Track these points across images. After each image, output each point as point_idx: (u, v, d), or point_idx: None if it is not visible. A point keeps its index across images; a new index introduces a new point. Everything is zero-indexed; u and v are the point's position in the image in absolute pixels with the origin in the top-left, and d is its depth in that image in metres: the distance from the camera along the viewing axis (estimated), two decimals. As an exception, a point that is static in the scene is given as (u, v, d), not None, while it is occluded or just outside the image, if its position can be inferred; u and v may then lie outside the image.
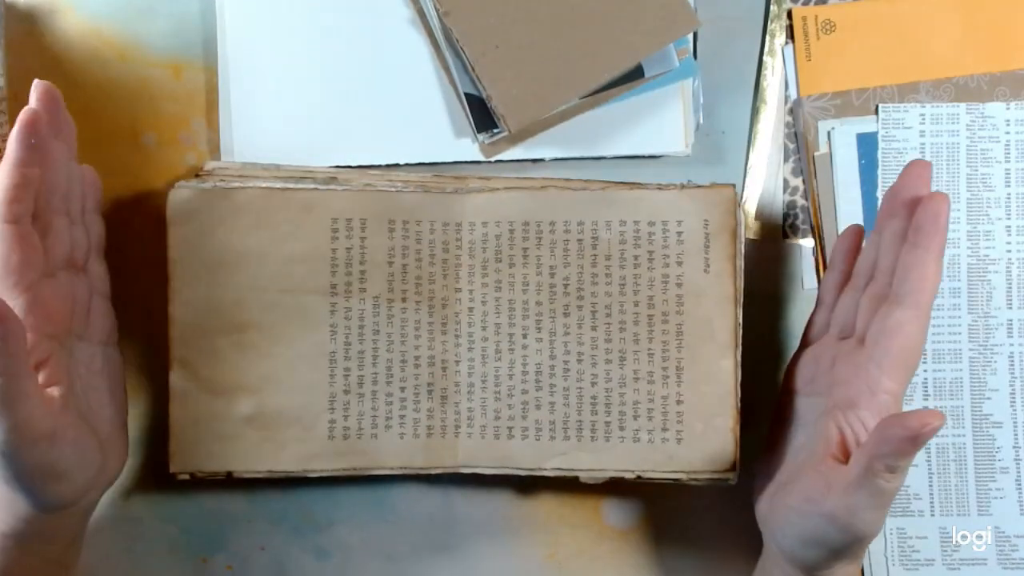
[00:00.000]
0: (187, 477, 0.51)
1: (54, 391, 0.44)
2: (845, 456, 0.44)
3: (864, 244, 0.50)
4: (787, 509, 0.46)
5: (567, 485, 0.54)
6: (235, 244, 0.51)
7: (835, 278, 0.50)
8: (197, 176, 0.52)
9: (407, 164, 0.55)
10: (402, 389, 0.51)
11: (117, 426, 0.49)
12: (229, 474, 0.51)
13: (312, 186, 0.51)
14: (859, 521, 0.43)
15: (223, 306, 0.51)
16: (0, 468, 0.43)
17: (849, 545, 0.44)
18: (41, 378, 0.44)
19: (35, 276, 0.44)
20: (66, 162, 0.48)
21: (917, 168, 0.46)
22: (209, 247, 0.50)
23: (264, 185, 0.51)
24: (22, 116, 0.44)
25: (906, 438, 0.40)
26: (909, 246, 0.45)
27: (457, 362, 0.51)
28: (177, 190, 0.50)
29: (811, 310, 0.53)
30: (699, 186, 0.51)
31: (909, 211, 0.45)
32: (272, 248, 0.51)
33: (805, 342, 0.51)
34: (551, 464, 0.51)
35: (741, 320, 0.51)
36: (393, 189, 0.51)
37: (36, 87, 0.46)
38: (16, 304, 0.43)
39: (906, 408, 0.53)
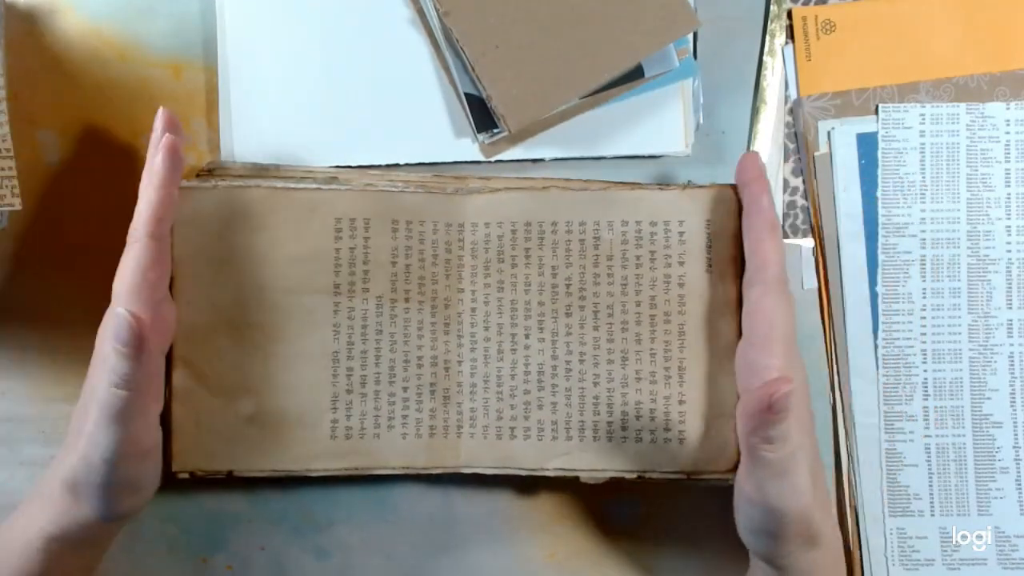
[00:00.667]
0: (187, 476, 0.51)
1: (155, 408, 0.46)
2: None
3: None
4: (736, 506, 0.47)
5: (568, 485, 0.54)
6: (239, 244, 0.51)
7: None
8: (198, 176, 0.52)
9: (407, 164, 0.55)
10: (404, 389, 0.51)
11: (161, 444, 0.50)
12: (229, 473, 0.51)
13: (315, 186, 0.51)
14: (768, 496, 0.44)
15: (226, 305, 0.51)
16: (93, 474, 0.44)
17: (780, 524, 0.44)
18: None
19: (161, 295, 0.47)
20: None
21: (746, 159, 0.49)
22: (213, 246, 0.50)
23: (267, 185, 0.51)
24: (166, 141, 0.46)
25: (761, 409, 0.42)
26: (744, 230, 0.48)
27: (459, 362, 0.51)
28: (181, 190, 0.50)
29: (811, 310, 0.54)
30: (701, 186, 0.51)
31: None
32: (276, 248, 0.51)
33: None
34: (553, 464, 0.51)
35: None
36: (395, 189, 0.51)
37: (162, 116, 0.48)
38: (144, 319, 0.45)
39: (906, 408, 0.54)
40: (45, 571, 0.46)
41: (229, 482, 0.52)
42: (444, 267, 0.51)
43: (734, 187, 0.51)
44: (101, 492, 0.45)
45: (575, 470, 0.51)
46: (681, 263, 0.51)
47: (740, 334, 0.51)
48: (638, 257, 0.51)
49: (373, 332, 0.51)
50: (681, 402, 0.51)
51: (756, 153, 0.50)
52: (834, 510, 0.54)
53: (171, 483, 0.51)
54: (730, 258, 0.51)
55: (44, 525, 0.46)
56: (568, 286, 0.51)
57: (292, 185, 0.51)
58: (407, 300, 0.51)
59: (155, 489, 0.48)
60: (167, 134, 0.47)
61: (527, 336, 0.51)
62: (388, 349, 0.51)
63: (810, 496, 0.44)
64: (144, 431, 0.45)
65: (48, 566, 0.46)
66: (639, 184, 0.52)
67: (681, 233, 0.51)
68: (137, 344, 0.42)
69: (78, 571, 0.48)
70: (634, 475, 0.51)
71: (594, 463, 0.51)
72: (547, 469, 0.51)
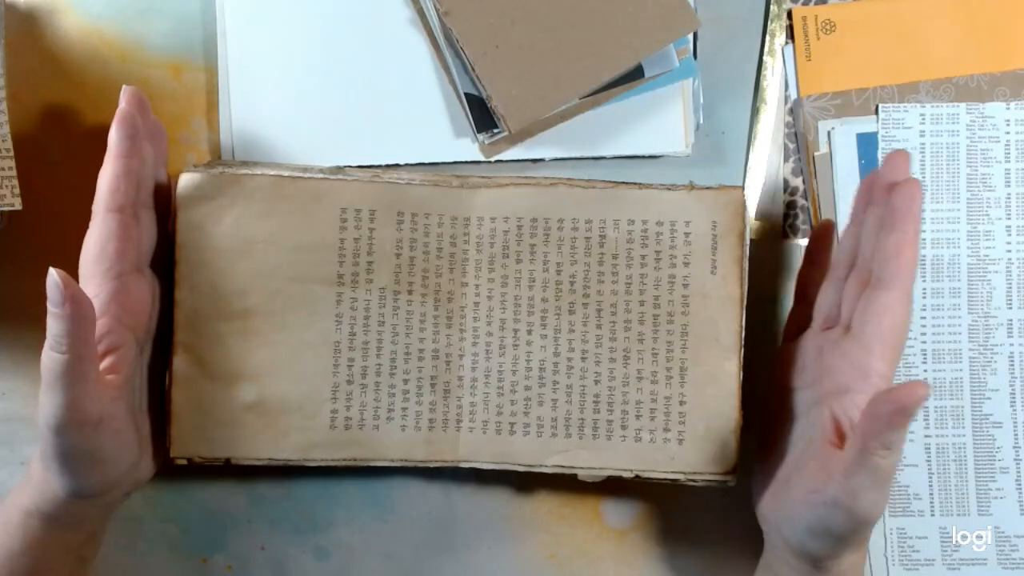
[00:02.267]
0: (184, 462, 0.51)
1: (112, 379, 0.46)
2: (842, 442, 0.45)
3: (841, 236, 0.50)
4: (792, 503, 0.46)
5: (567, 485, 0.54)
6: (244, 230, 0.51)
7: (813, 272, 0.51)
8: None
9: (407, 164, 0.55)
10: (405, 382, 0.51)
11: (155, 431, 0.50)
12: (227, 461, 0.51)
13: (321, 175, 0.51)
14: (861, 504, 0.43)
15: (229, 292, 0.50)
16: (46, 445, 0.44)
17: (855, 530, 0.44)
18: (105, 364, 0.46)
19: (126, 267, 0.47)
20: (153, 163, 0.50)
21: (897, 157, 0.47)
22: (217, 233, 0.50)
23: (274, 173, 0.51)
24: (118, 112, 0.47)
25: (896, 411, 0.40)
26: (887, 231, 0.45)
27: (461, 356, 0.51)
28: (187, 175, 0.50)
29: None
30: (708, 188, 0.51)
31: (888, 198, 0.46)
32: (280, 236, 0.51)
33: (788, 338, 0.52)
34: (551, 461, 0.51)
35: (745, 322, 0.51)
36: (402, 182, 0.51)
37: (125, 91, 0.48)
38: (104, 291, 0.46)
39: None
40: (25, 548, 0.47)
41: (229, 481, 0.53)
42: (448, 261, 0.51)
43: (742, 189, 0.51)
44: (57, 464, 0.44)
45: (573, 468, 0.51)
46: (686, 264, 0.51)
47: (742, 336, 0.51)
48: (643, 256, 0.51)
49: (375, 323, 0.51)
50: (682, 403, 0.51)
51: (907, 153, 0.48)
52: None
53: (171, 478, 0.51)
54: (735, 260, 0.50)
55: (23, 501, 0.47)
56: (572, 283, 0.51)
57: (298, 174, 0.51)
58: (410, 292, 0.51)
59: (126, 466, 0.47)
60: (122, 105, 0.47)
61: (529, 332, 0.51)
62: (390, 341, 0.51)
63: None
64: (88, 398, 0.43)
65: (27, 543, 0.47)
66: (646, 184, 0.52)
67: (687, 234, 0.51)
68: (66, 304, 0.41)
69: (61, 552, 0.48)
70: (632, 474, 0.51)
71: (592, 461, 0.51)
72: (545, 466, 0.51)
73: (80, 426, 0.43)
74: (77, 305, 0.41)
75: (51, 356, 0.42)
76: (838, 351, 0.47)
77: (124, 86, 0.48)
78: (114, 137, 0.47)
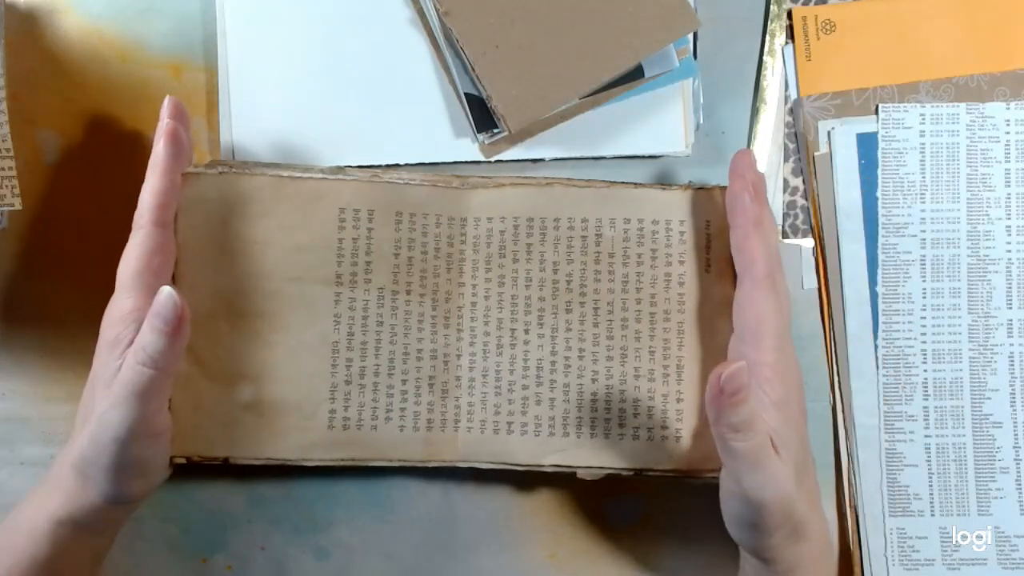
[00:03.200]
0: (183, 461, 0.51)
1: (169, 392, 0.48)
2: None
3: None
4: (721, 500, 0.47)
5: (567, 483, 0.54)
6: (243, 231, 0.51)
7: None
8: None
9: (407, 164, 0.55)
10: (403, 382, 0.51)
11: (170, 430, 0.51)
12: (226, 460, 0.51)
13: (320, 175, 0.51)
14: (746, 488, 0.44)
15: (228, 292, 0.51)
16: (102, 455, 0.45)
17: (760, 515, 0.44)
18: None
19: (165, 281, 0.48)
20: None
21: (734, 156, 0.49)
22: (217, 233, 0.50)
23: (273, 173, 0.51)
24: (167, 127, 0.48)
25: (715, 395, 0.42)
26: (731, 231, 0.49)
27: (459, 356, 0.52)
28: (187, 175, 0.50)
29: (811, 310, 0.54)
30: (703, 187, 0.51)
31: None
32: (279, 236, 0.51)
33: None
34: (549, 460, 0.51)
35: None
36: (400, 182, 0.51)
37: (168, 103, 0.48)
38: (147, 305, 0.46)
39: (906, 408, 0.54)
40: (53, 556, 0.47)
41: (229, 480, 0.52)
42: (446, 261, 0.51)
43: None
44: (108, 474, 0.45)
45: (572, 466, 0.51)
46: (681, 262, 0.51)
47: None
48: (639, 255, 0.51)
49: (374, 324, 0.51)
50: (679, 400, 0.51)
51: (745, 151, 0.50)
52: (830, 508, 0.54)
53: (171, 479, 0.51)
54: (728, 258, 0.51)
55: (52, 509, 0.46)
56: (568, 282, 0.51)
57: (297, 174, 0.51)
58: (408, 292, 0.51)
59: (163, 477, 0.49)
60: (169, 120, 0.48)
61: (526, 331, 0.51)
62: (388, 341, 0.51)
63: (791, 488, 0.44)
64: (157, 412, 0.46)
65: (56, 551, 0.47)
66: (642, 183, 0.52)
67: (682, 232, 0.51)
68: (178, 324, 0.43)
69: (86, 557, 0.49)
70: (631, 472, 0.51)
71: (590, 459, 0.51)
72: (543, 465, 0.51)
73: (144, 437, 0.45)
74: (185, 326, 0.44)
75: (139, 371, 0.44)
76: (732, 350, 0.49)
77: (167, 97, 0.49)
78: (161, 152, 0.48)
